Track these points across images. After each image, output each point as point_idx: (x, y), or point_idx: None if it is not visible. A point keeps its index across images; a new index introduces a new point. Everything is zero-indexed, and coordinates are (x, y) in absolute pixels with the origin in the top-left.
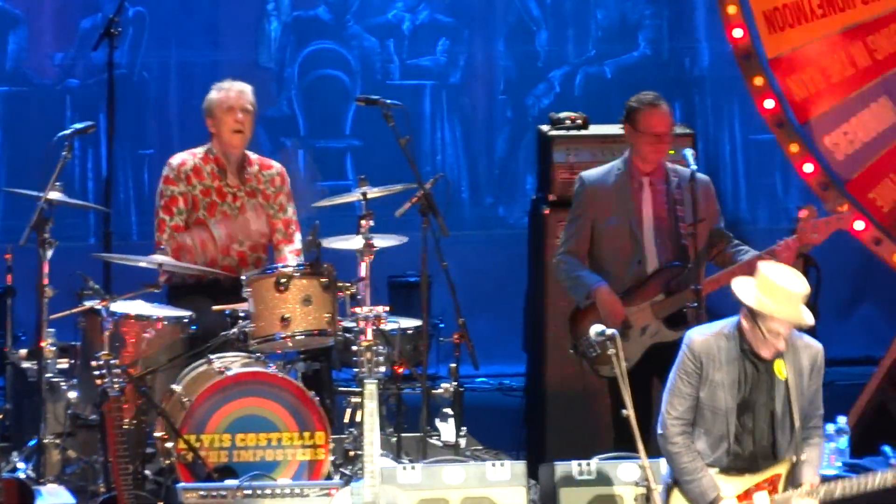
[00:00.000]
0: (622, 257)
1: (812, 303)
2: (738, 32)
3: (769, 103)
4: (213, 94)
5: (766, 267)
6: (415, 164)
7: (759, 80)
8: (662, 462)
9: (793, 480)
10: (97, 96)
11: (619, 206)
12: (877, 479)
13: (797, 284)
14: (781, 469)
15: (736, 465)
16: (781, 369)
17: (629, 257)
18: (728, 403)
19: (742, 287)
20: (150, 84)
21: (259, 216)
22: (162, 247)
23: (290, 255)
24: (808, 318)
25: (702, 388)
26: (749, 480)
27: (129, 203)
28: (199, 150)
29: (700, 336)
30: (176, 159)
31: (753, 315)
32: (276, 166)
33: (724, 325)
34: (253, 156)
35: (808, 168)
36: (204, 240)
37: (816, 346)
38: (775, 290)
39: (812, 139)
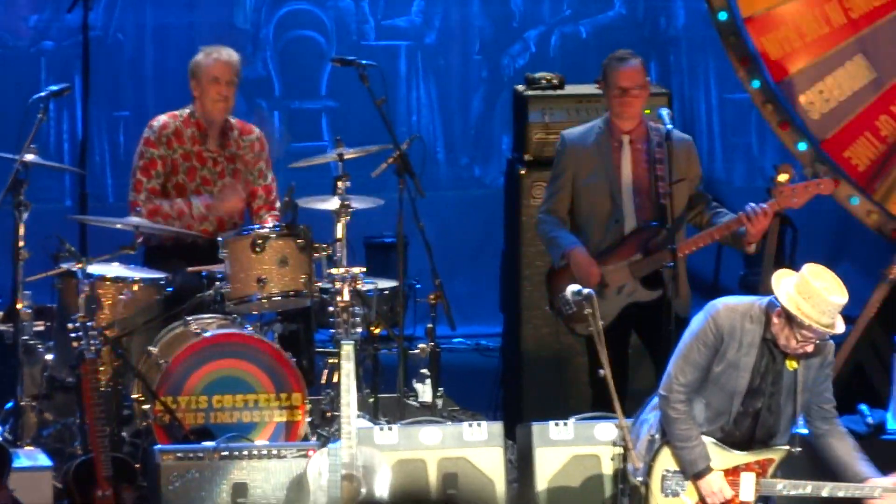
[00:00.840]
0: (600, 216)
1: (789, 263)
2: None
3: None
4: (201, 58)
5: (809, 270)
6: (390, 125)
7: (734, 39)
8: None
9: (784, 470)
10: (72, 58)
11: (599, 165)
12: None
13: (837, 295)
14: (775, 456)
15: (729, 441)
16: (794, 361)
17: (607, 216)
18: (739, 386)
19: (782, 285)
20: (125, 46)
21: (238, 182)
22: (138, 208)
23: (272, 221)
24: (840, 328)
25: (716, 362)
26: (739, 458)
27: (104, 165)
28: (182, 113)
29: (727, 311)
30: (158, 121)
31: (788, 317)
32: (256, 131)
33: (752, 306)
34: (233, 120)
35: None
36: (182, 210)
37: (830, 343)
38: (815, 298)
39: (788, 98)
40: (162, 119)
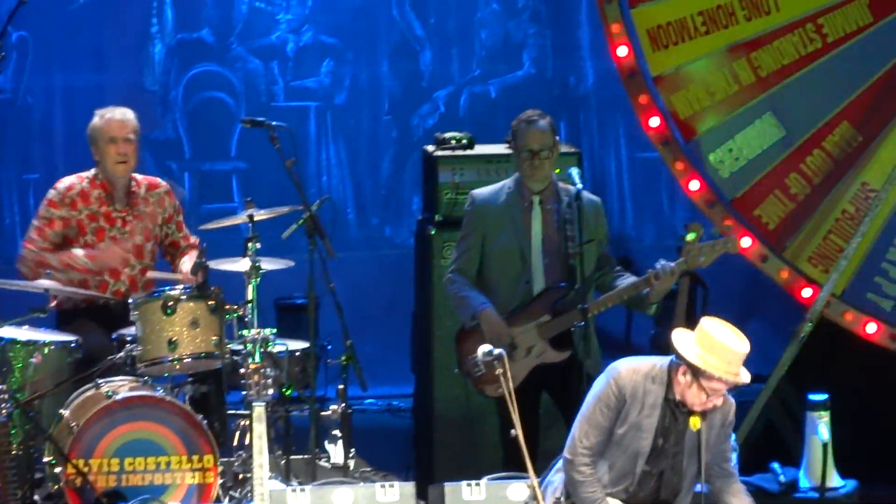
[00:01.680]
0: (510, 277)
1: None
2: (622, 51)
3: (654, 121)
4: (96, 122)
5: (708, 324)
6: (301, 186)
7: (643, 98)
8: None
9: None
10: None
11: (509, 226)
12: None
13: (741, 344)
14: None
15: (633, 502)
16: (696, 420)
17: (517, 277)
18: (642, 447)
19: (683, 342)
20: (34, 108)
21: (147, 239)
22: (24, 252)
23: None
24: (746, 377)
25: (619, 424)
26: None
27: (14, 228)
28: (87, 174)
29: (629, 372)
30: (63, 183)
31: (694, 372)
32: (163, 185)
33: (654, 366)
34: (139, 177)
35: (694, 186)
36: (66, 262)
37: (730, 400)
38: (719, 350)
39: (698, 157)
40: (67, 181)
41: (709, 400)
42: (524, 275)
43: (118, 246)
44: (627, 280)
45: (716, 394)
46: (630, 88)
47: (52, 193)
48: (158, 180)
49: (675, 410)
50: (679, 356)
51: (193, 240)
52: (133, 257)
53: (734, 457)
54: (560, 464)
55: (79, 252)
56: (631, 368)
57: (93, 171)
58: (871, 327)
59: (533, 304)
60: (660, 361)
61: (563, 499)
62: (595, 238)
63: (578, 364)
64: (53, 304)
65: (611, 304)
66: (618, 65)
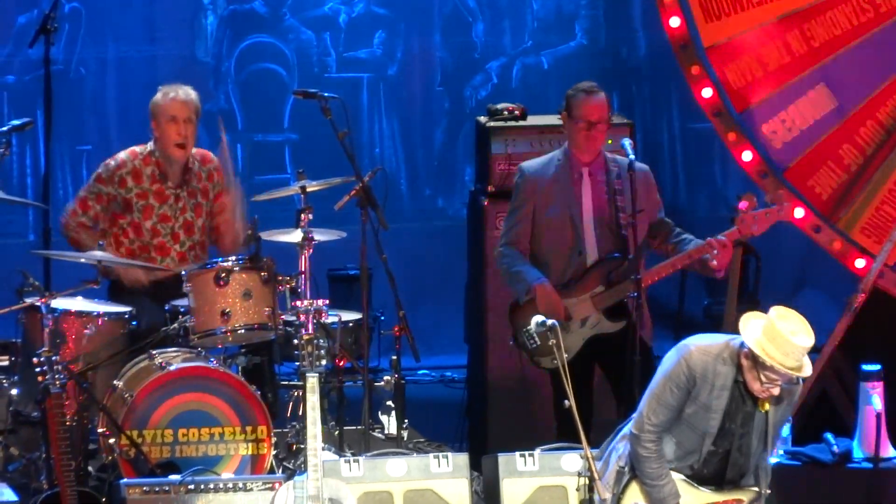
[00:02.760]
0: (562, 249)
1: (753, 292)
2: (674, 21)
3: (707, 92)
4: (159, 98)
5: (776, 313)
6: (353, 157)
7: (696, 69)
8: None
9: None
10: (34, 93)
11: (559, 197)
12: None
13: (803, 338)
14: (744, 496)
15: (698, 478)
16: (765, 402)
17: (569, 249)
18: (710, 427)
19: (748, 328)
20: (87, 80)
21: (197, 216)
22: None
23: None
24: (808, 371)
25: (689, 404)
26: (708, 497)
27: (67, 199)
28: (141, 151)
29: (700, 353)
30: (115, 160)
31: (754, 358)
32: (214, 161)
33: (724, 347)
34: (193, 150)
35: (747, 156)
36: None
37: (798, 385)
38: (780, 340)
39: (750, 127)
40: (120, 158)
41: (764, 388)
42: (577, 246)
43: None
44: (688, 245)
45: (772, 383)
46: (682, 59)
47: (101, 168)
48: (210, 155)
49: (743, 393)
50: (742, 340)
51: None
52: (183, 233)
53: (787, 426)
54: (625, 429)
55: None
56: (702, 349)
57: (149, 145)
58: None
59: (587, 275)
60: (731, 342)
61: (626, 469)
62: (645, 208)
63: (632, 335)
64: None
65: (665, 274)
66: (670, 35)
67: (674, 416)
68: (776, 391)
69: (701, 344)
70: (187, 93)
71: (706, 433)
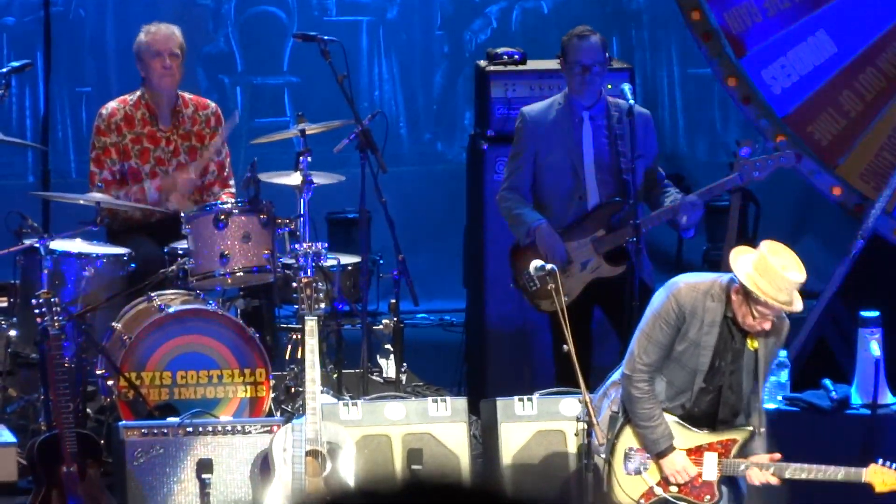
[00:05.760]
0: (563, 192)
1: (752, 238)
2: None
3: (707, 37)
4: (141, 37)
5: (768, 247)
6: (352, 101)
7: (695, 14)
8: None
9: (747, 450)
10: (34, 34)
11: (560, 141)
12: (828, 473)
13: (795, 273)
14: (738, 436)
15: (690, 419)
16: (755, 341)
17: (570, 192)
18: (701, 364)
19: (739, 261)
20: (86, 21)
21: (192, 159)
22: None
23: (226, 197)
24: (798, 306)
25: (678, 341)
26: (703, 438)
27: (67, 141)
28: (132, 97)
29: (689, 289)
30: (106, 109)
31: (746, 292)
32: (212, 106)
33: (712, 284)
34: (188, 96)
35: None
36: (138, 199)
37: (786, 320)
38: (772, 274)
39: (750, 73)
40: (111, 106)
41: (756, 322)
42: (577, 190)
43: (185, 172)
44: (668, 199)
45: (764, 318)
46: (682, 4)
47: (97, 121)
48: (208, 101)
49: (732, 329)
50: (732, 273)
51: (227, 172)
52: (175, 189)
53: (786, 372)
54: (616, 375)
55: (148, 185)
56: (690, 285)
57: (137, 92)
58: None
59: (587, 219)
60: (720, 278)
61: (619, 412)
62: (644, 154)
63: (632, 279)
64: (103, 220)
65: (657, 223)
66: None
67: (664, 355)
68: (767, 326)
69: (690, 280)
70: (169, 27)
71: (697, 370)
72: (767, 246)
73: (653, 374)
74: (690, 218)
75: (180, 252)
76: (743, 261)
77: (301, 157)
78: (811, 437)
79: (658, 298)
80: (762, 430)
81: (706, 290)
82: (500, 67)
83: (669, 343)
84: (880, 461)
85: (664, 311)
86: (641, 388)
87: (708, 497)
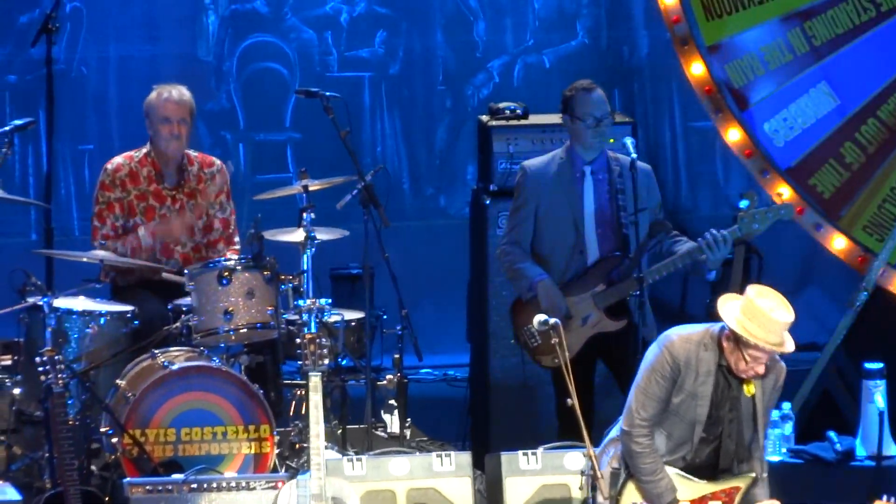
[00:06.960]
0: (564, 247)
1: None
2: (697, 68)
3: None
4: (153, 98)
5: (753, 291)
6: (355, 156)
7: (697, 68)
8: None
9: (749, 497)
10: (36, 92)
11: (561, 196)
12: None
13: (783, 313)
14: (741, 483)
15: (692, 470)
16: (750, 386)
17: (571, 247)
18: (699, 415)
19: (727, 308)
20: (88, 79)
21: (199, 216)
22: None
23: (230, 254)
24: (790, 347)
25: (675, 394)
26: (705, 488)
27: (70, 199)
28: (138, 154)
29: (681, 341)
30: (112, 164)
31: (736, 338)
32: (217, 163)
33: (705, 334)
34: (193, 153)
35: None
36: (134, 247)
37: (781, 365)
38: (760, 317)
39: (752, 126)
40: (116, 161)
41: (749, 367)
42: (578, 245)
43: (181, 218)
44: (684, 246)
45: (756, 361)
46: (683, 57)
47: (102, 176)
48: (213, 159)
49: (728, 377)
50: (722, 321)
51: (232, 229)
52: (169, 237)
53: (790, 425)
54: (615, 432)
55: (142, 231)
56: (683, 337)
57: (144, 148)
58: None
59: (588, 274)
60: (711, 328)
61: (620, 468)
62: (647, 207)
63: (634, 333)
64: (106, 279)
65: (665, 273)
66: (672, 34)
67: (662, 408)
68: (761, 370)
69: (682, 332)
70: (181, 93)
71: (695, 421)
72: (753, 290)
73: (652, 429)
74: (716, 254)
75: (184, 309)
76: (730, 307)
77: (304, 214)
78: (816, 489)
79: (652, 352)
80: (764, 475)
81: (699, 340)
82: (503, 122)
83: (666, 396)
84: (885, 497)
85: (659, 365)
86: (642, 444)
87: None
